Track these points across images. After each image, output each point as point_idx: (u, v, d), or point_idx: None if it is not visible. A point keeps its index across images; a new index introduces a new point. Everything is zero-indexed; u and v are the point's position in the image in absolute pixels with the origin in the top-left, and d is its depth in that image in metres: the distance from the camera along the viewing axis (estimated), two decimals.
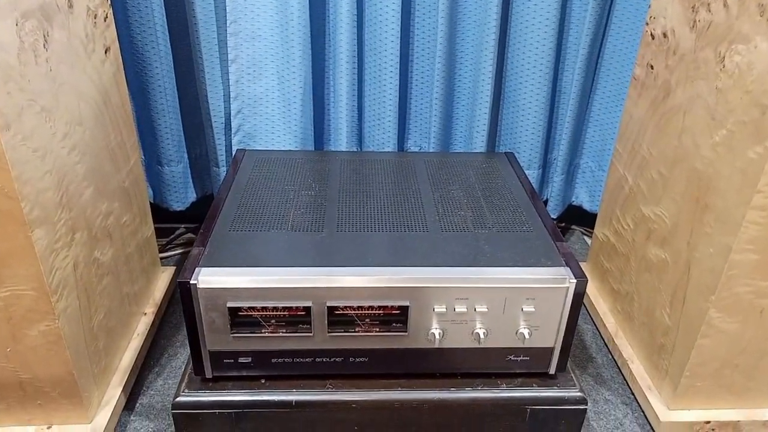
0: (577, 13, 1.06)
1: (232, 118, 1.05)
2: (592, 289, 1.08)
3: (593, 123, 1.17)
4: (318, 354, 0.71)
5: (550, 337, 0.72)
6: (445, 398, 0.73)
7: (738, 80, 0.68)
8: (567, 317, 0.70)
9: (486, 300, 0.69)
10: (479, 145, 1.13)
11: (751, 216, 0.66)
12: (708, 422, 0.81)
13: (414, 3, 1.06)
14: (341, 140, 1.13)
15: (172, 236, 1.25)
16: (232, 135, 1.06)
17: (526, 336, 0.70)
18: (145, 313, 0.94)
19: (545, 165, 1.19)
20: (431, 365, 0.73)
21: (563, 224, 1.34)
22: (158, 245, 1.03)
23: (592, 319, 1.05)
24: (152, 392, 0.86)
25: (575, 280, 0.68)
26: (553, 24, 1.03)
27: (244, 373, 0.72)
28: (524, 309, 0.70)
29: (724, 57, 0.70)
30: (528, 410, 0.74)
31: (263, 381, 0.73)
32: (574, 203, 1.25)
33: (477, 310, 0.69)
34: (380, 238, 0.75)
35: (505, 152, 1.02)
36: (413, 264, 0.69)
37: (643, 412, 0.86)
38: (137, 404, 0.83)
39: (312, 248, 0.72)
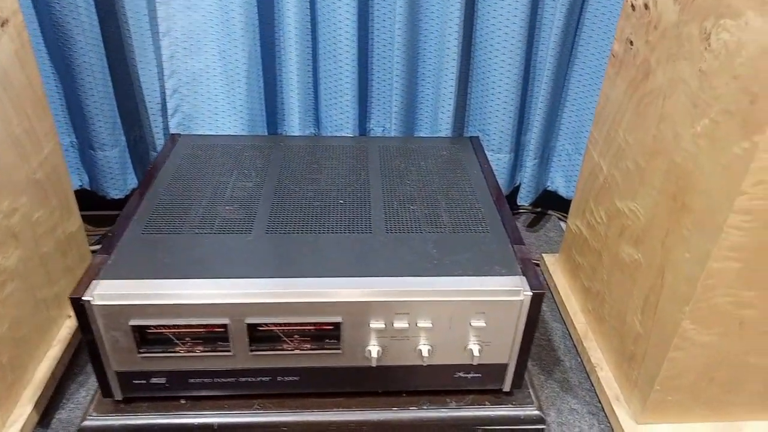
0: None
1: (167, 98, 0.94)
2: (563, 284, 0.99)
3: (570, 103, 1.07)
4: (241, 374, 0.63)
5: (504, 353, 0.64)
6: (387, 419, 0.66)
7: (725, 62, 0.58)
8: (522, 332, 0.62)
9: (429, 315, 0.60)
10: (445, 127, 1.03)
11: (733, 220, 0.58)
12: None
13: None
14: (294, 122, 1.03)
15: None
16: (169, 117, 0.96)
17: (476, 353, 0.62)
18: (70, 316, 0.86)
19: (518, 148, 1.09)
20: (370, 384, 0.65)
21: (539, 209, 1.26)
22: (97, 236, 0.94)
23: (562, 317, 0.97)
24: (72, 405, 0.78)
25: (530, 293, 0.60)
26: None
27: (160, 394, 0.64)
28: (473, 324, 0.61)
29: (710, 34, 0.60)
30: (479, 431, 0.67)
31: (183, 402, 0.66)
32: (549, 188, 1.16)
33: (419, 325, 0.61)
34: (315, 241, 0.66)
35: (470, 137, 0.92)
36: (347, 274, 0.61)
37: (609, 424, 0.79)
38: (53, 419, 0.76)
39: (235, 254, 0.63)
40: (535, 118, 1.03)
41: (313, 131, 1.10)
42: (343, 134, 1.06)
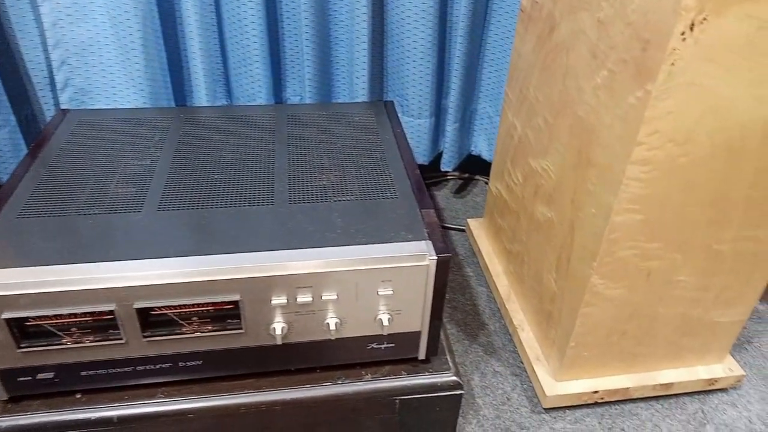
0: None
1: (54, 71, 0.87)
2: (486, 248, 0.99)
3: (488, 63, 1.05)
4: (138, 362, 0.59)
5: (416, 321, 0.62)
6: (300, 397, 0.63)
7: (619, 9, 0.57)
8: (432, 298, 0.61)
9: (334, 286, 0.58)
10: (362, 93, 1.00)
11: (631, 171, 0.57)
12: (596, 392, 0.75)
13: None
14: (202, 94, 0.97)
15: None
16: (59, 92, 0.88)
17: (386, 323, 0.60)
18: None
19: (438, 113, 1.07)
20: (279, 362, 0.63)
21: (466, 175, 1.25)
22: None
23: (486, 281, 0.97)
24: None
25: (436, 257, 0.58)
26: None
27: (51, 390, 0.60)
28: (380, 292, 0.59)
29: None
30: (397, 401, 0.65)
31: (79, 396, 0.61)
32: (473, 153, 1.15)
33: (324, 298, 0.58)
34: (212, 216, 0.62)
35: (384, 101, 0.89)
36: (244, 249, 0.57)
37: (531, 384, 0.79)
38: None
39: (121, 235, 0.58)
40: (453, 81, 1.01)
41: (225, 101, 1.04)
42: (256, 104, 1.01)
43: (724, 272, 0.67)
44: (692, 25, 0.49)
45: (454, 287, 0.96)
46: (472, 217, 1.09)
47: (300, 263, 0.56)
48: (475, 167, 1.23)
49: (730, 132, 0.56)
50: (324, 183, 0.68)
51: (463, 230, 1.09)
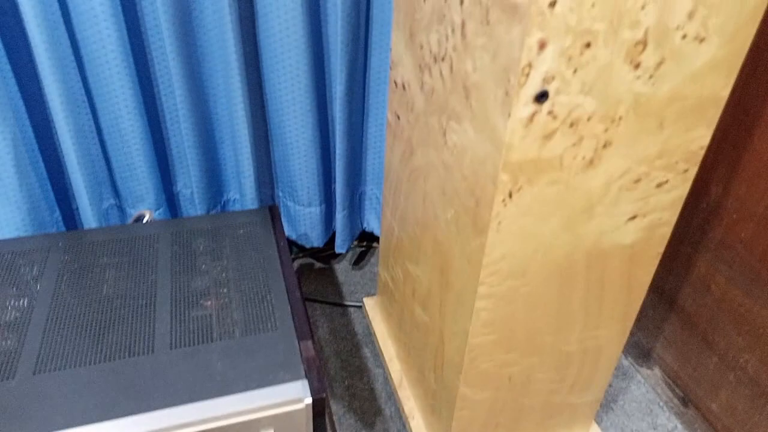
0: (332, 39, 0.96)
1: None
2: (381, 330, 1.05)
3: (372, 148, 1.11)
4: None
5: None
6: None
7: (458, 161, 0.63)
8: (312, 430, 0.65)
9: None
10: (249, 189, 1.02)
11: (480, 304, 0.64)
12: None
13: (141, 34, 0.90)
14: (84, 199, 0.96)
15: None
16: None
17: None
18: None
19: (328, 199, 1.12)
20: None
21: (364, 244, 1.30)
22: None
23: (382, 363, 1.02)
24: None
25: (311, 399, 0.62)
26: (303, 45, 0.93)
27: None
28: None
29: (445, 131, 0.66)
30: None
31: None
32: (366, 230, 1.20)
33: None
34: (90, 375, 0.63)
35: (269, 206, 0.93)
36: (118, 414, 0.59)
37: None
38: None
39: None
40: (338, 171, 1.06)
41: (113, 202, 1.04)
42: (143, 209, 1.01)
43: (575, 365, 0.76)
44: (510, 193, 0.56)
45: (352, 371, 1.01)
46: (369, 294, 1.14)
47: (177, 423, 0.59)
48: (373, 235, 1.28)
49: (558, 261, 0.63)
50: (207, 319, 0.71)
51: (360, 307, 1.14)
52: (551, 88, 0.50)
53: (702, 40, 0.52)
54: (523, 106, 0.50)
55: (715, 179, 0.85)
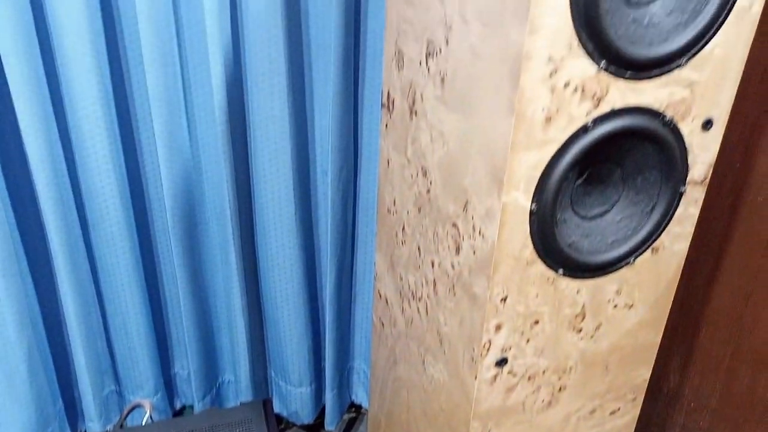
0: (323, 240, 1.08)
1: None
2: None
3: (359, 328, 1.19)
4: None
5: None
6: None
7: (436, 394, 0.71)
8: None
9: None
10: (244, 374, 1.09)
11: None
12: None
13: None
14: (87, 392, 1.02)
15: None
16: None
17: None
18: None
19: (318, 380, 1.18)
20: None
21: (353, 410, 1.35)
22: None
23: None
24: None
25: None
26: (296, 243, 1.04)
27: None
28: None
29: (424, 360, 0.74)
30: None
31: None
32: (354, 402, 1.26)
33: None
34: None
35: (263, 400, 0.99)
36: None
37: None
38: None
39: None
40: (328, 354, 1.14)
41: (113, 388, 1.10)
42: (142, 397, 1.07)
43: None
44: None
45: None
46: None
47: None
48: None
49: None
50: None
51: None
52: (509, 355, 0.60)
53: (630, 307, 0.63)
54: (486, 370, 0.59)
55: (672, 368, 0.93)
